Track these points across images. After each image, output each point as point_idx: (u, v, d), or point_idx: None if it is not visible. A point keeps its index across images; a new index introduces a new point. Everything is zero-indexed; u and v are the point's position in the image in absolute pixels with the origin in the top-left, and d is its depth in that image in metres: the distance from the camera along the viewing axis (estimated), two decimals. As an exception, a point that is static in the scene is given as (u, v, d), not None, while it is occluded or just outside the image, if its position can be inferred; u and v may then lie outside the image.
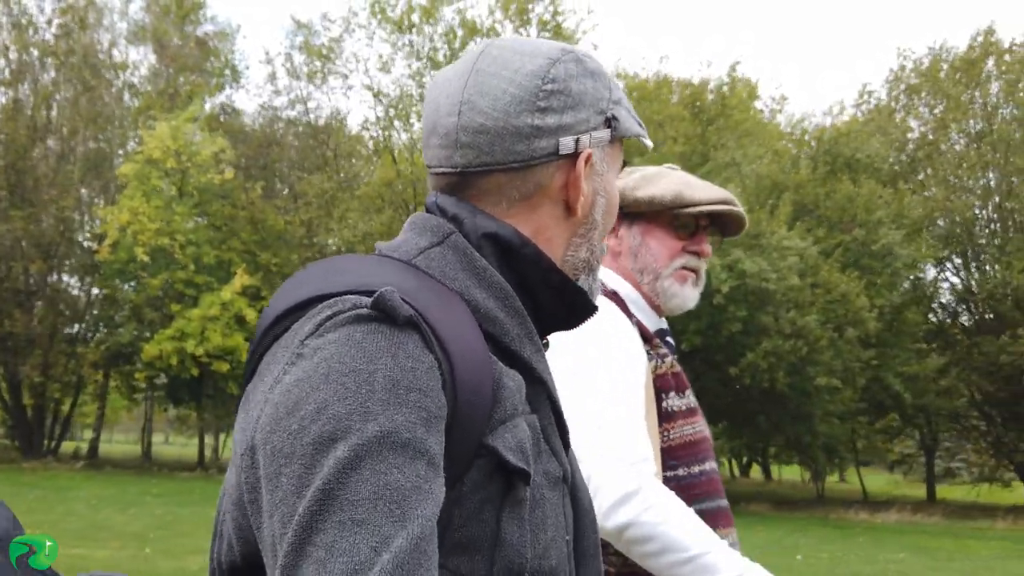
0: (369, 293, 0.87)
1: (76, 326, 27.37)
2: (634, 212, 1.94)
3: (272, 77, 31.12)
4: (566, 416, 1.17)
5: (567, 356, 1.64)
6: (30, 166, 25.82)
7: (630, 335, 1.82)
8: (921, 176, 29.62)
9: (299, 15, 55.72)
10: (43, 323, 25.17)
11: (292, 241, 26.40)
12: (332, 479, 0.77)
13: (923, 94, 30.74)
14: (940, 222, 29.42)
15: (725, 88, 25.83)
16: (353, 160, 29.82)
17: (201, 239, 24.92)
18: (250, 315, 23.64)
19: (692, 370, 18.76)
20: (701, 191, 1.92)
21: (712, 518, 1.75)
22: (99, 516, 13.47)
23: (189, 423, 40.08)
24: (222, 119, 29.77)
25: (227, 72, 30.24)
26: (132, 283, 25.86)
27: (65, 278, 27.58)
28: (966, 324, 30.06)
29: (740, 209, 1.95)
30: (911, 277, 28.63)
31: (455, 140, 0.99)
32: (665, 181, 1.94)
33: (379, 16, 26.17)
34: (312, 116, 29.21)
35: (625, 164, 1.84)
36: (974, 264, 29.60)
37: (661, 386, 1.85)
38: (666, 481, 1.78)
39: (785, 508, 25.54)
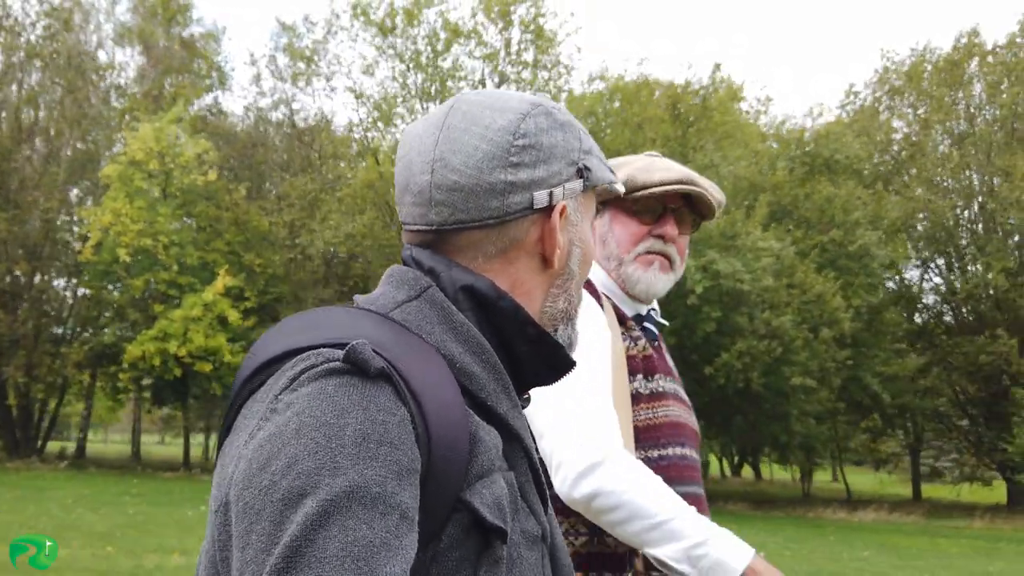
0: (343, 346, 0.86)
1: (61, 327, 27.50)
2: (604, 200, 1.91)
3: (257, 79, 31.23)
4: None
5: None
6: (15, 167, 25.95)
7: (595, 316, 1.81)
8: (905, 177, 29.76)
9: (285, 17, 55.80)
10: (27, 324, 25.30)
11: (277, 242, 26.53)
12: (299, 536, 0.75)
13: (906, 95, 30.90)
14: (921, 224, 29.61)
15: (704, 90, 25.93)
16: (341, 162, 29.93)
17: (185, 240, 25.04)
18: (232, 316, 23.74)
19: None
20: (659, 173, 1.88)
21: None
22: (71, 516, 13.54)
23: (174, 424, 40.21)
24: (209, 120, 29.91)
25: (213, 74, 30.39)
26: (117, 284, 25.99)
27: (49, 279, 27.68)
28: (949, 325, 30.23)
29: (699, 188, 1.89)
30: (894, 277, 28.81)
31: (429, 198, 0.99)
32: (627, 167, 1.91)
33: (361, 19, 26.30)
34: (297, 118, 29.36)
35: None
36: (956, 265, 29.76)
37: (630, 368, 1.85)
38: None
39: (766, 507, 25.70)
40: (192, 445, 32.87)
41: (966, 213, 29.59)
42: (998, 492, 30.14)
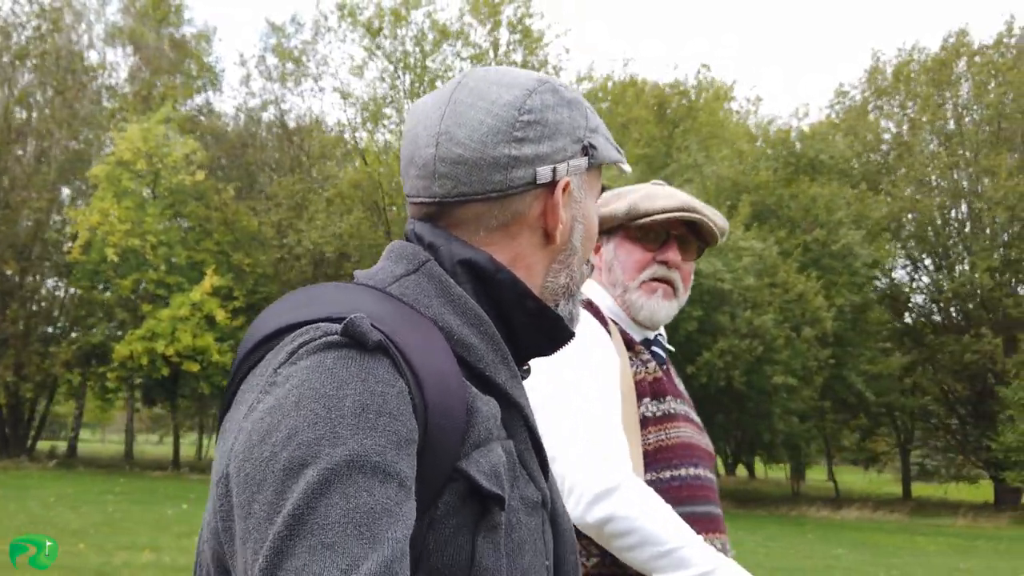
0: (341, 320, 0.87)
1: (51, 327, 27.61)
2: (609, 228, 1.96)
3: (247, 79, 31.33)
4: (541, 415, 1.24)
5: (541, 361, 1.74)
6: (5, 167, 26.05)
7: (603, 340, 1.85)
8: (893, 176, 29.86)
9: (275, 17, 55.88)
10: (17, 323, 25.41)
11: (266, 242, 26.63)
12: (302, 504, 0.77)
13: (894, 95, 31.00)
14: (910, 224, 29.70)
15: (692, 90, 26.02)
16: (331, 163, 30.02)
17: (173, 240, 25.13)
18: (220, 316, 23.82)
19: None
20: (661, 200, 1.91)
21: (690, 523, 1.73)
22: (49, 513, 13.58)
23: (163, 423, 40.31)
24: (200, 121, 30.00)
25: (204, 74, 30.48)
26: (106, 284, 26.10)
27: (40, 279, 27.80)
28: (936, 324, 30.33)
29: (701, 216, 1.93)
30: (880, 277, 28.89)
31: (433, 171, 1.00)
32: (630, 196, 1.95)
33: (349, 19, 26.39)
34: (287, 118, 29.47)
35: (604, 188, 1.91)
36: (944, 264, 29.87)
37: (639, 392, 1.87)
38: None
39: (751, 505, 25.78)
40: (186, 444, 32.96)
41: (953, 212, 29.70)
42: (987, 491, 30.24)
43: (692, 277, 2.03)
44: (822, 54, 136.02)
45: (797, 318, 22.59)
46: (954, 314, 29.68)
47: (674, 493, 1.79)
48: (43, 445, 30.82)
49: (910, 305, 31.17)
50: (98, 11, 31.39)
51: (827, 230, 24.48)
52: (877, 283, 29.09)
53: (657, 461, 1.84)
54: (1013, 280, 27.87)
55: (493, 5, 26.48)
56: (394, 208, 25.96)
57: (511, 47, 27.25)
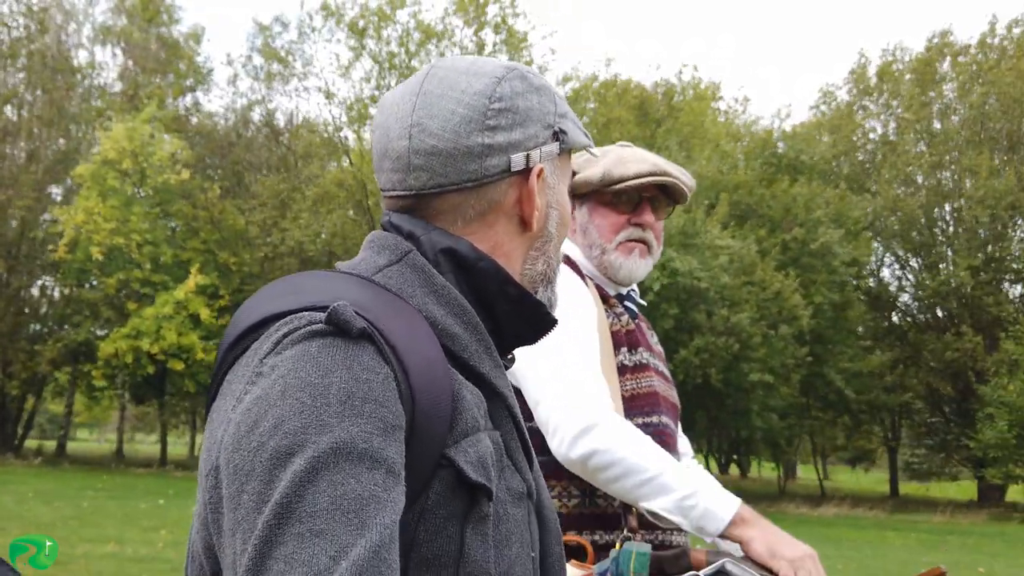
0: (325, 309, 0.87)
1: (38, 325, 27.79)
2: (582, 193, 2.02)
3: (234, 79, 31.46)
4: (523, 358, 1.28)
5: None
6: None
7: (582, 290, 1.93)
8: (878, 177, 29.97)
9: (262, 17, 55.89)
10: (4, 321, 25.59)
11: (252, 241, 26.79)
12: (290, 492, 0.77)
13: (878, 95, 31.11)
14: (894, 224, 29.81)
15: (672, 89, 26.16)
16: (316, 161, 30.15)
17: (159, 239, 25.29)
18: (205, 314, 23.99)
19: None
20: (633, 165, 1.97)
21: None
22: (21, 508, 13.67)
23: (148, 420, 40.49)
24: (194, 120, 30.16)
25: (192, 74, 30.61)
26: (92, 282, 26.27)
27: (27, 278, 27.97)
28: (920, 322, 30.46)
29: (672, 178, 1.99)
30: (862, 276, 29.00)
31: (407, 163, 1.00)
32: (602, 161, 2.00)
33: (333, 19, 26.54)
34: (272, 117, 29.61)
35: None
36: (923, 262, 30.00)
37: (615, 342, 1.95)
38: None
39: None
40: (181, 443, 33.10)
41: (936, 211, 29.81)
42: (971, 489, 30.35)
43: (663, 234, 2.12)
44: (820, 54, 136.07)
45: (774, 316, 22.74)
46: (939, 313, 29.80)
47: None
48: (31, 443, 30.97)
49: (897, 304, 31.29)
50: (87, 11, 31.63)
51: (806, 229, 24.63)
52: (861, 282, 29.21)
53: (631, 408, 1.92)
54: (994, 279, 27.99)
55: (479, 5, 26.61)
56: (380, 207, 26.06)
57: (496, 47, 27.39)
